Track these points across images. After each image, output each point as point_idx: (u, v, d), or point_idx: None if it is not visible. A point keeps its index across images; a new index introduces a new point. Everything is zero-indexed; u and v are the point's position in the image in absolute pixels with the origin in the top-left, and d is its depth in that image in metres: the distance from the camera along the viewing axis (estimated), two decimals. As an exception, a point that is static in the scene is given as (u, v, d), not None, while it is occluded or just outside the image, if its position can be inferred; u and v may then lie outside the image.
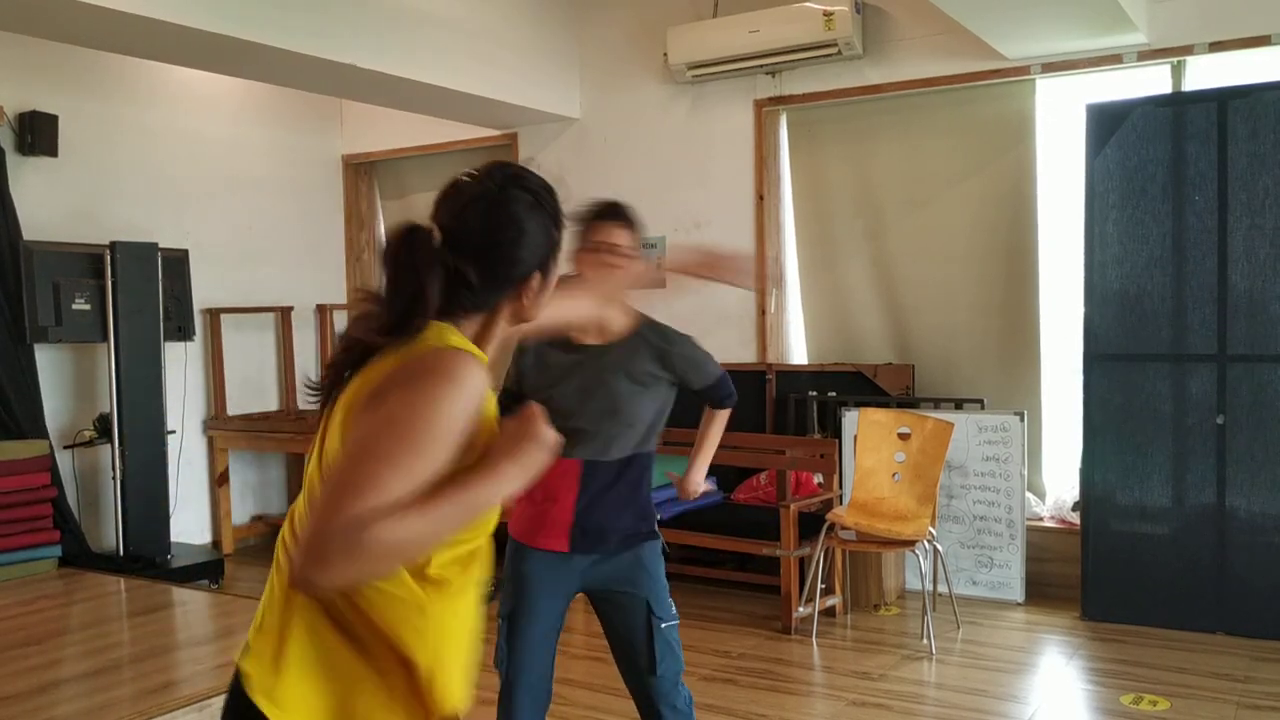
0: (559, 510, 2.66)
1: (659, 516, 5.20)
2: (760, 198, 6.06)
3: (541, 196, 1.54)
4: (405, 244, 1.47)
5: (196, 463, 6.60)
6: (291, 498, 7.23)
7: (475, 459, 1.41)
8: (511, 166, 1.56)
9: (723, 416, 2.99)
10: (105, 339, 5.58)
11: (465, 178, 1.54)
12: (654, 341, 2.71)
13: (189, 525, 6.44)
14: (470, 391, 1.38)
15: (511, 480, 1.42)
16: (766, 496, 5.56)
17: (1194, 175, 4.67)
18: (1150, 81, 5.16)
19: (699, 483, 3.02)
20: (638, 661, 2.69)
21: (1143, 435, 4.80)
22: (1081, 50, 5.14)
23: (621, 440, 2.66)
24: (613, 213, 2.68)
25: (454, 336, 1.47)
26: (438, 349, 1.42)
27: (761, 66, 5.86)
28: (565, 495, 2.65)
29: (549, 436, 1.45)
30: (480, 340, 1.53)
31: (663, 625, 2.69)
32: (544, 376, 2.69)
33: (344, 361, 1.48)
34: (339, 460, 1.35)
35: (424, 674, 1.43)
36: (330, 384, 1.49)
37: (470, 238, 1.48)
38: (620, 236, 2.65)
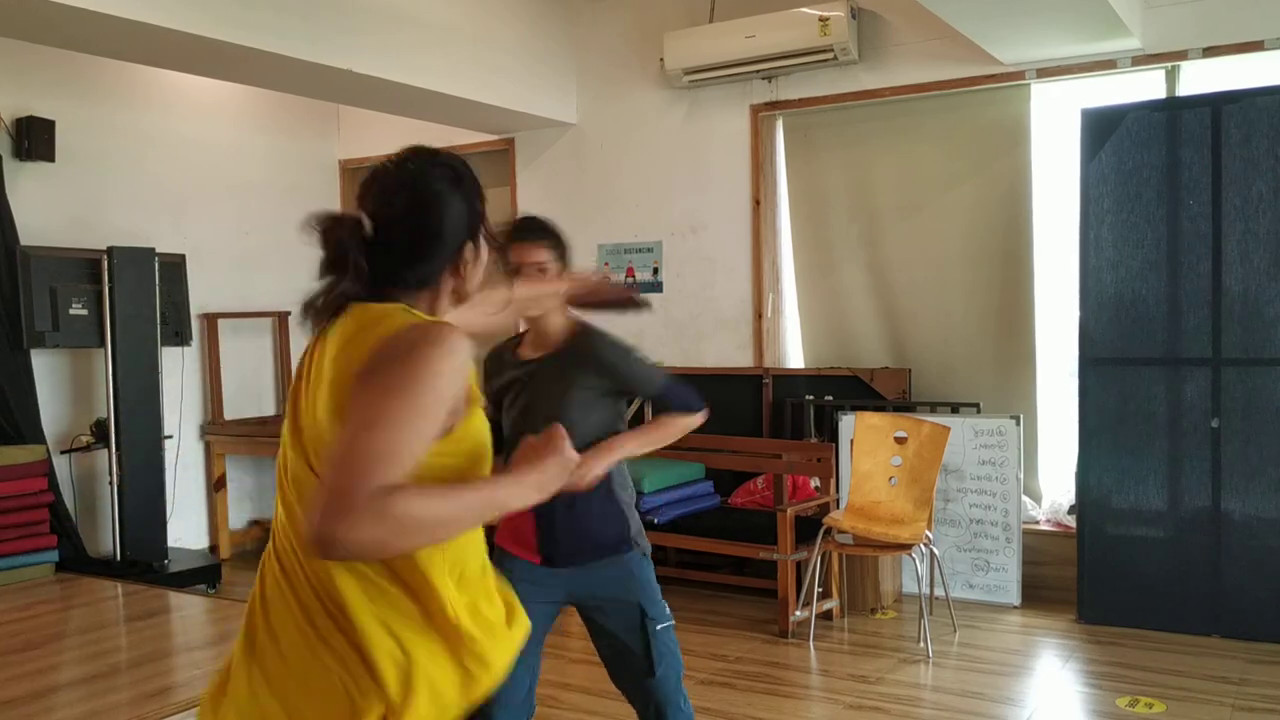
0: (522, 521, 2.61)
1: (653, 520, 5.24)
2: (757, 202, 6.07)
3: (458, 170, 1.61)
4: (335, 228, 1.54)
5: (193, 468, 6.60)
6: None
7: (456, 422, 1.47)
8: (425, 149, 1.63)
9: (680, 421, 2.74)
10: (102, 344, 5.58)
11: (383, 165, 1.61)
12: (590, 351, 2.66)
13: (186, 530, 6.43)
14: (460, 358, 1.45)
15: (532, 490, 1.53)
16: (763, 500, 5.57)
17: (1188, 180, 4.68)
18: (1144, 86, 5.18)
19: (593, 469, 2.51)
20: (634, 665, 2.64)
21: (1138, 439, 4.81)
22: (1076, 55, 5.16)
23: None
24: (530, 230, 2.62)
25: (422, 315, 1.54)
26: (420, 323, 1.49)
27: (758, 72, 5.87)
28: (526, 510, 2.62)
29: (571, 455, 1.57)
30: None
31: (658, 627, 2.65)
32: (500, 391, 2.70)
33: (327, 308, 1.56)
34: (347, 431, 1.38)
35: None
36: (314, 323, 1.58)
37: (396, 217, 1.55)
38: (540, 254, 2.59)
